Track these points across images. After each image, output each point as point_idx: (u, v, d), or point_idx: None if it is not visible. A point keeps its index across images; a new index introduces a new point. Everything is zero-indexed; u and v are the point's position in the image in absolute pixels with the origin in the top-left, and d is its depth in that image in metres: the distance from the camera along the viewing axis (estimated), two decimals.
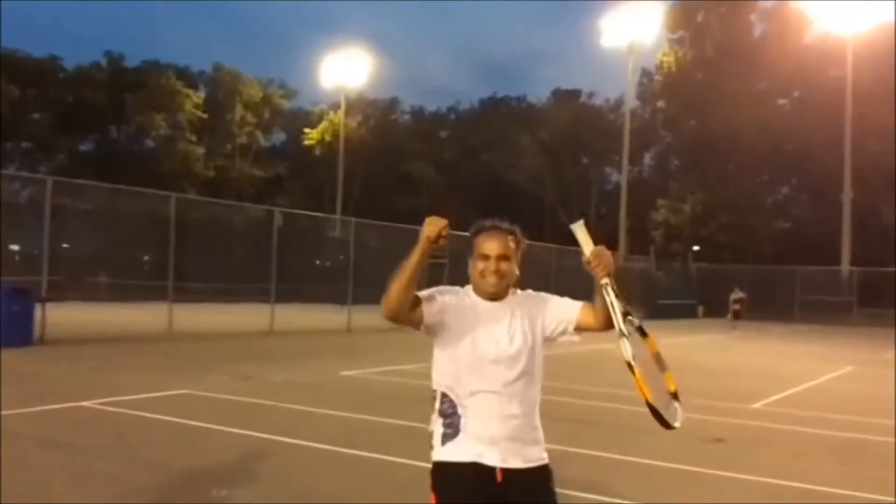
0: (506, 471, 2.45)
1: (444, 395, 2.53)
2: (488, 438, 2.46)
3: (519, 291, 2.64)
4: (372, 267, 21.66)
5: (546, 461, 2.54)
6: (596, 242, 2.47)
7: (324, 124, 58.42)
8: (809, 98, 48.76)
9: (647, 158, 60.88)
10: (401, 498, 5.11)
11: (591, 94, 62.00)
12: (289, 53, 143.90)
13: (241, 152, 58.12)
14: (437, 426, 2.54)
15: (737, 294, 30.50)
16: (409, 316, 2.48)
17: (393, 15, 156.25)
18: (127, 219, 25.28)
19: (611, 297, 2.43)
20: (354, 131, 57.43)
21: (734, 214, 47.59)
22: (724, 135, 47.99)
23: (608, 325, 2.48)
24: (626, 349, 2.38)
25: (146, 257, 33.28)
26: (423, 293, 2.51)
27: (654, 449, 6.47)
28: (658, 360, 2.41)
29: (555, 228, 43.67)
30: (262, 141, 61.45)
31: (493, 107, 66.72)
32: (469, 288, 2.61)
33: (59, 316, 15.14)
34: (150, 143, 55.27)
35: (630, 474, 6.05)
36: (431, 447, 2.55)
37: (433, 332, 2.54)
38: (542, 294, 2.67)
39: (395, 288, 2.41)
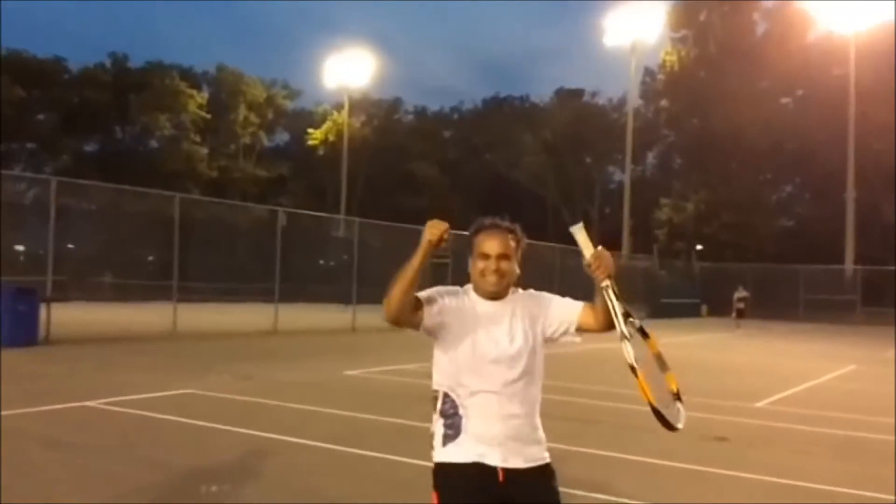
0: (507, 471, 2.45)
1: (445, 396, 2.53)
2: (489, 438, 2.46)
3: (520, 290, 2.63)
4: (375, 266, 21.69)
5: (548, 460, 2.54)
6: (595, 244, 2.47)
7: (327, 124, 58.47)
8: (812, 97, 48.67)
9: (650, 157, 60.90)
10: (404, 497, 5.12)
11: (594, 94, 62.03)
12: (292, 54, 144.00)
13: (245, 152, 58.20)
14: (438, 427, 2.54)
15: (741, 293, 30.48)
16: (410, 318, 2.48)
17: (396, 15, 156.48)
18: (131, 219, 25.38)
19: (612, 300, 2.42)
20: (358, 131, 57.46)
21: (737, 213, 47.54)
22: (727, 133, 47.95)
23: (609, 325, 2.48)
24: (629, 352, 2.38)
25: (150, 257, 33.40)
26: (422, 294, 2.50)
27: (656, 448, 6.48)
28: (660, 360, 2.41)
29: (558, 228, 43.63)
30: (266, 141, 61.59)
31: (496, 106, 66.70)
32: (469, 287, 2.60)
33: (63, 316, 15.18)
34: (153, 143, 55.42)
35: (632, 473, 6.06)
36: (432, 448, 2.55)
37: (433, 333, 2.55)
38: (544, 294, 2.66)
39: (397, 291, 2.41)
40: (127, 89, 51.54)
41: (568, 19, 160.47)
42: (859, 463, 6.82)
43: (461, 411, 2.50)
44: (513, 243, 2.56)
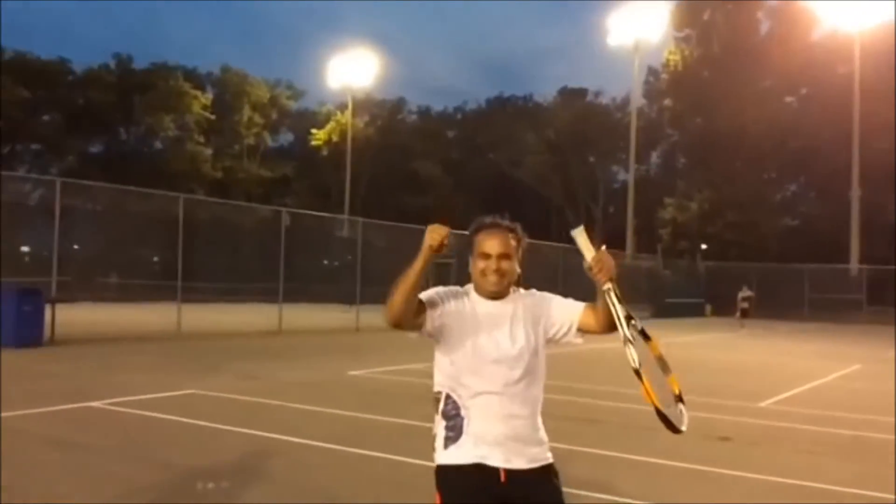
0: (509, 471, 2.44)
1: (447, 397, 2.52)
2: (491, 439, 2.45)
3: (521, 290, 2.62)
4: (379, 266, 21.71)
5: (550, 461, 2.53)
6: (599, 244, 2.45)
7: (331, 125, 58.51)
8: (816, 95, 48.55)
9: (654, 156, 60.85)
10: (407, 497, 5.12)
11: (597, 93, 62.06)
12: (296, 54, 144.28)
13: (249, 153, 58.30)
14: (439, 429, 2.53)
15: (745, 292, 30.45)
16: (412, 322, 2.47)
17: (400, 15, 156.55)
18: (135, 220, 25.43)
19: (614, 303, 2.40)
20: (361, 131, 57.49)
21: (741, 212, 47.45)
22: (731, 132, 47.87)
23: (610, 327, 2.46)
24: (633, 356, 2.35)
25: (154, 258, 33.47)
26: (423, 296, 2.48)
27: (659, 447, 6.46)
28: (661, 362, 2.40)
29: (561, 227, 43.68)
30: (270, 141, 61.68)
31: (500, 106, 66.69)
32: (470, 287, 2.59)
33: (68, 316, 15.23)
34: (158, 144, 55.54)
35: (635, 473, 6.05)
36: (434, 449, 2.54)
37: (434, 336, 2.53)
38: (545, 294, 2.65)
39: (398, 297, 2.39)
40: (131, 90, 51.66)
41: (571, 19, 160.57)
42: (864, 463, 6.80)
43: (463, 413, 2.49)
44: (513, 242, 2.55)
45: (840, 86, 42.87)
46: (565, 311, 2.59)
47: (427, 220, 2.43)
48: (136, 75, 53.14)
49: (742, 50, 49.05)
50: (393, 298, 2.40)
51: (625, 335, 2.38)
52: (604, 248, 2.43)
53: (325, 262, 38.05)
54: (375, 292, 20.65)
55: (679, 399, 2.35)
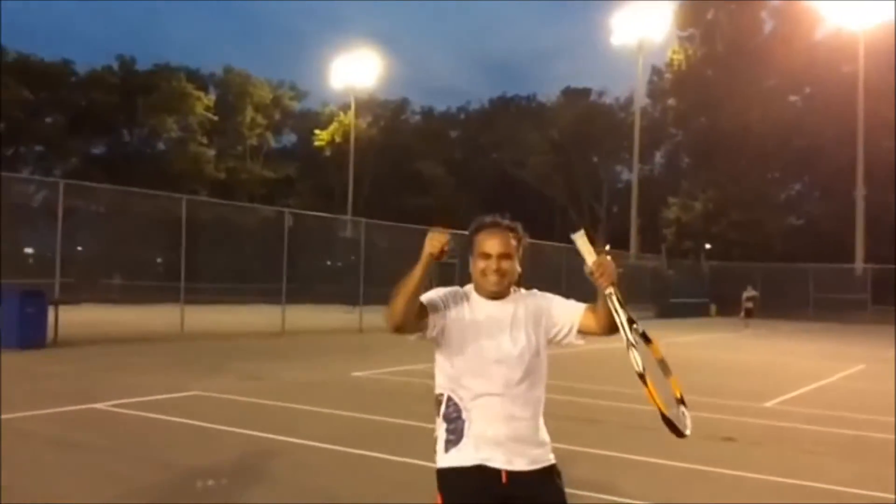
0: (511, 473, 2.43)
1: (448, 399, 2.52)
2: (493, 441, 2.45)
3: (521, 290, 2.60)
4: (382, 267, 21.72)
5: (553, 462, 2.52)
6: (602, 244, 2.44)
7: (334, 125, 58.54)
8: (820, 94, 48.43)
9: (658, 156, 60.70)
10: (409, 497, 5.11)
11: (601, 93, 61.97)
12: (298, 55, 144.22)
13: (252, 154, 58.34)
14: (441, 431, 2.53)
15: (749, 292, 30.38)
16: (415, 326, 2.45)
17: (403, 15, 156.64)
18: (139, 221, 25.49)
19: (616, 307, 2.39)
20: (364, 132, 57.51)
21: (746, 212, 47.33)
22: (735, 132, 47.78)
23: (610, 328, 2.45)
24: (637, 360, 2.34)
25: (158, 259, 33.48)
26: (423, 298, 2.47)
27: (661, 448, 6.43)
28: (663, 365, 2.39)
29: (565, 227, 43.54)
30: (273, 142, 61.66)
31: (503, 106, 66.64)
32: (470, 287, 2.57)
33: (71, 318, 15.26)
34: (161, 145, 55.56)
35: (637, 473, 6.04)
36: (436, 452, 2.54)
37: (435, 338, 2.52)
38: (546, 294, 2.63)
39: (399, 303, 2.37)
40: (134, 91, 51.69)
41: (574, 18, 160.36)
42: (867, 463, 6.79)
43: (464, 415, 2.48)
44: (514, 242, 2.53)
45: (844, 85, 42.76)
46: (566, 313, 2.57)
47: (430, 221, 2.42)
48: (139, 76, 53.17)
49: (745, 49, 48.97)
50: (394, 305, 2.39)
51: (628, 339, 2.36)
52: (607, 247, 2.42)
53: (329, 262, 38.09)
54: (379, 293, 20.64)
55: (681, 402, 2.34)
